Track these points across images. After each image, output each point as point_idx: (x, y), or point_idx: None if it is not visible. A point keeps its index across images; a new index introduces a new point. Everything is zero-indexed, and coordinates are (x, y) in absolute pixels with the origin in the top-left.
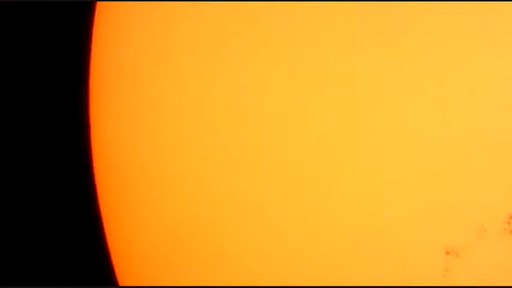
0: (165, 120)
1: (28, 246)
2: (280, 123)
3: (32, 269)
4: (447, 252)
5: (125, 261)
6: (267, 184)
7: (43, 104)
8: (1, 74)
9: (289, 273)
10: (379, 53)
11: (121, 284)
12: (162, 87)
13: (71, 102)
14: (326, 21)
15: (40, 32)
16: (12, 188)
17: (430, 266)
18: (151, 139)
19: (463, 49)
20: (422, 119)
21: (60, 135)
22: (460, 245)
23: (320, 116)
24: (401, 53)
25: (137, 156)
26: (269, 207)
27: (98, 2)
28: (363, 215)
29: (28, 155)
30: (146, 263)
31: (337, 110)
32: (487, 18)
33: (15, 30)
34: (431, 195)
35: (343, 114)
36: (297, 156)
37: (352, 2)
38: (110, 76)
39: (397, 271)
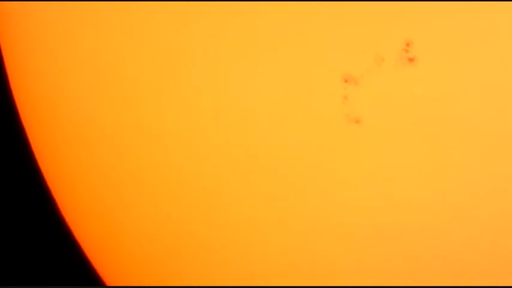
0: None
1: None
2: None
3: None
4: (346, 80)
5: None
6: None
7: None
8: None
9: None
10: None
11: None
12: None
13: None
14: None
15: None
16: None
17: (329, 94)
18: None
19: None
20: None
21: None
22: (358, 73)
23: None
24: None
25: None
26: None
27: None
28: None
29: None
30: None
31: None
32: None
33: None
34: (328, 28)
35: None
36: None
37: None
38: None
39: (298, 99)
